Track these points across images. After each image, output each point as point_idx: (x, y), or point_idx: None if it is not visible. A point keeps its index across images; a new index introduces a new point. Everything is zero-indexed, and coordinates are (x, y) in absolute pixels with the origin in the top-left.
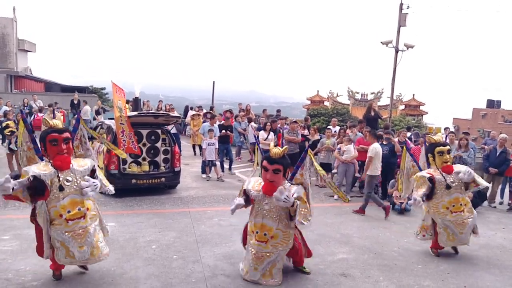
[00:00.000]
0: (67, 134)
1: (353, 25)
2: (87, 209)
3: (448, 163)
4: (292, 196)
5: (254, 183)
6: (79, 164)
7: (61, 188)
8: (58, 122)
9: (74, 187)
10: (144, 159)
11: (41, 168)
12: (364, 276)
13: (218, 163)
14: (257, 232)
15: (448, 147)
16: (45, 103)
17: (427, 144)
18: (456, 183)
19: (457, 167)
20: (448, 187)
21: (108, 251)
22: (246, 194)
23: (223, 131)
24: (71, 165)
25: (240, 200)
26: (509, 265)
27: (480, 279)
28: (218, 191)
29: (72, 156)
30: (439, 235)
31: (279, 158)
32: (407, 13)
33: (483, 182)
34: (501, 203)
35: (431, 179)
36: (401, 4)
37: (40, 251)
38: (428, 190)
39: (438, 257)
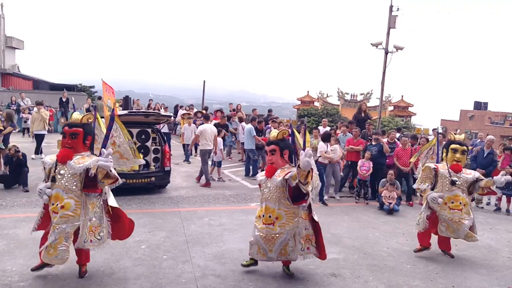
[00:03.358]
0: (75, 129)
1: (344, 26)
2: (62, 207)
3: (460, 163)
4: (287, 174)
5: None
6: (79, 161)
7: (53, 179)
8: (78, 117)
9: (63, 182)
10: None
11: (53, 158)
12: (354, 276)
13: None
14: (263, 216)
15: (464, 147)
16: (33, 101)
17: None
18: (460, 182)
19: (468, 171)
20: (453, 183)
21: (67, 258)
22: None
23: (219, 128)
24: (70, 160)
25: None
26: (496, 264)
27: (468, 279)
28: (208, 190)
29: (86, 153)
30: (439, 225)
31: (274, 140)
32: (397, 15)
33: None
34: (488, 203)
35: (435, 170)
36: (391, 6)
37: None
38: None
39: (427, 257)
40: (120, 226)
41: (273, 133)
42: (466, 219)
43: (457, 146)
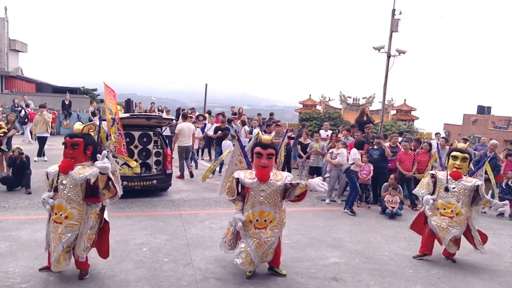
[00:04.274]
0: (75, 140)
1: (346, 30)
2: (66, 217)
3: (460, 170)
4: (286, 179)
5: (245, 173)
6: (79, 172)
7: (55, 189)
8: (79, 127)
9: (65, 192)
10: (135, 161)
11: (56, 168)
12: (355, 280)
13: None
14: (257, 220)
15: (465, 155)
16: (36, 103)
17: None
18: (457, 190)
19: (469, 178)
20: (446, 189)
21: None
22: (237, 187)
23: (219, 132)
24: (71, 171)
25: (241, 217)
26: (498, 269)
27: (470, 284)
28: (210, 194)
29: (87, 163)
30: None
31: (270, 143)
32: (399, 19)
33: (491, 200)
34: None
35: (433, 176)
36: (394, 10)
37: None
38: (431, 188)
39: (429, 262)
40: (103, 241)
41: (267, 136)
42: (455, 227)
43: (458, 153)
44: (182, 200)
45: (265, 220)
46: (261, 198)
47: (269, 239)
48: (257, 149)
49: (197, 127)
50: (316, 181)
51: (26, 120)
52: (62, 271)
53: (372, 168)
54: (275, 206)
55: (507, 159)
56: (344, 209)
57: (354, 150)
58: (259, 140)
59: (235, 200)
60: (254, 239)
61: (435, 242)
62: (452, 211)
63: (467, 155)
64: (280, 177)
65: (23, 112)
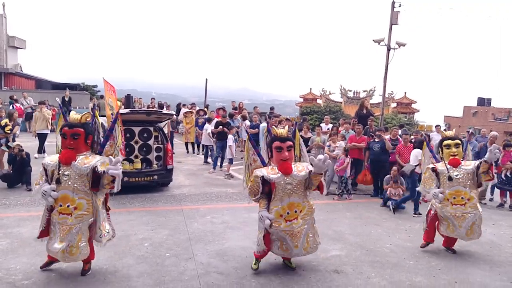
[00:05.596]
0: (76, 130)
1: (346, 23)
2: (75, 208)
3: (456, 157)
4: (307, 168)
5: (266, 169)
6: (83, 162)
7: (57, 181)
8: (76, 117)
9: (69, 183)
10: (136, 156)
11: (53, 159)
12: (356, 272)
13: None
14: (287, 213)
15: (457, 141)
16: (36, 100)
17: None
18: (461, 177)
19: (468, 162)
20: (450, 178)
21: (87, 253)
22: (262, 184)
23: (220, 127)
24: (74, 161)
25: (269, 215)
26: (499, 260)
27: (471, 275)
28: (211, 188)
29: (87, 152)
30: (440, 223)
31: (287, 136)
32: (399, 11)
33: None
34: (491, 199)
35: (434, 170)
36: (393, 2)
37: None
38: (437, 181)
39: (430, 253)
40: None
41: (282, 130)
42: (470, 213)
43: (449, 141)
44: (183, 195)
45: (296, 211)
46: (289, 190)
47: (301, 227)
48: (276, 143)
49: (209, 123)
50: (316, 160)
51: None
52: (77, 261)
53: (349, 160)
54: (303, 196)
55: (505, 150)
56: (390, 205)
57: (417, 150)
58: (275, 134)
59: (259, 199)
60: (287, 232)
61: (436, 234)
62: (462, 198)
63: (458, 141)
64: (301, 167)
65: (10, 107)
